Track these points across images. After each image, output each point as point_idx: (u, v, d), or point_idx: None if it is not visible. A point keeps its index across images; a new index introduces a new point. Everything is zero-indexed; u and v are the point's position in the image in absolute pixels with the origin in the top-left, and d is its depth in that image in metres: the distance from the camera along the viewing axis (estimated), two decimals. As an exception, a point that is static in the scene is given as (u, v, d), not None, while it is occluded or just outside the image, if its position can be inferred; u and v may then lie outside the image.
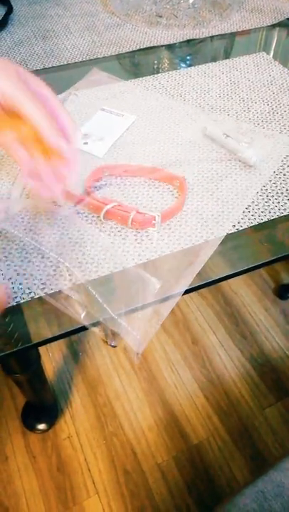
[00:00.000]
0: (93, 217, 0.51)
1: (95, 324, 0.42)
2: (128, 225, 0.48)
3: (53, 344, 1.22)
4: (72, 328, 0.42)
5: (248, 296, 1.41)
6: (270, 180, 0.55)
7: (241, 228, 0.49)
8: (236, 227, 0.49)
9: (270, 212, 0.51)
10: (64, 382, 1.18)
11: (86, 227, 0.49)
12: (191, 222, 0.50)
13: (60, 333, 0.42)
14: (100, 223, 0.50)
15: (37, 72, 0.73)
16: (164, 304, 0.44)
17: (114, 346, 1.25)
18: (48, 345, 0.43)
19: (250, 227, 0.50)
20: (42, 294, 0.43)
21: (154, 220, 0.48)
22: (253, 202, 0.52)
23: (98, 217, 0.50)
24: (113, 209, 0.49)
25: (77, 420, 1.12)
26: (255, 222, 0.50)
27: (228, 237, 0.49)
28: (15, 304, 0.43)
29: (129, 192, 0.54)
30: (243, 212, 0.51)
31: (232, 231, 0.49)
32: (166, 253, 0.47)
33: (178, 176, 0.54)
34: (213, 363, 1.25)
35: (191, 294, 0.46)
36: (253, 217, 0.50)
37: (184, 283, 0.44)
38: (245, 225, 0.50)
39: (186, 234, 0.49)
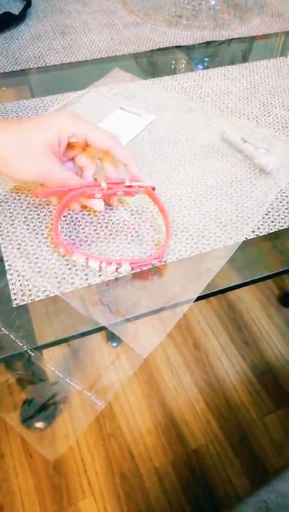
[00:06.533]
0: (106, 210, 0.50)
1: (103, 328, 0.41)
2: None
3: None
4: (79, 332, 0.41)
5: (252, 302, 1.41)
6: (290, 187, 0.54)
7: (261, 234, 0.49)
8: (256, 232, 0.49)
9: (289, 219, 0.50)
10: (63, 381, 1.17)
11: (103, 226, 0.48)
12: (210, 225, 0.49)
13: (65, 336, 0.41)
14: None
15: (55, 68, 0.73)
16: (174, 311, 0.44)
17: (116, 346, 1.24)
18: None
19: (264, 235, 0.49)
20: (58, 293, 0.42)
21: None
22: (273, 208, 0.51)
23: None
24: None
25: (75, 420, 1.11)
26: (275, 229, 0.49)
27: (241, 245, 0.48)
28: (30, 301, 0.42)
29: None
30: (263, 218, 0.50)
31: (251, 237, 0.48)
32: (183, 257, 0.46)
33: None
34: (215, 368, 1.24)
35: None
36: (272, 224, 0.49)
37: (194, 291, 0.43)
38: (265, 231, 0.49)
39: (204, 238, 0.48)
